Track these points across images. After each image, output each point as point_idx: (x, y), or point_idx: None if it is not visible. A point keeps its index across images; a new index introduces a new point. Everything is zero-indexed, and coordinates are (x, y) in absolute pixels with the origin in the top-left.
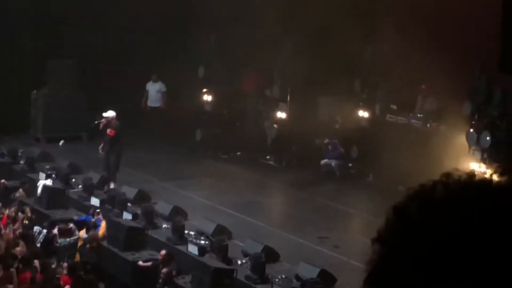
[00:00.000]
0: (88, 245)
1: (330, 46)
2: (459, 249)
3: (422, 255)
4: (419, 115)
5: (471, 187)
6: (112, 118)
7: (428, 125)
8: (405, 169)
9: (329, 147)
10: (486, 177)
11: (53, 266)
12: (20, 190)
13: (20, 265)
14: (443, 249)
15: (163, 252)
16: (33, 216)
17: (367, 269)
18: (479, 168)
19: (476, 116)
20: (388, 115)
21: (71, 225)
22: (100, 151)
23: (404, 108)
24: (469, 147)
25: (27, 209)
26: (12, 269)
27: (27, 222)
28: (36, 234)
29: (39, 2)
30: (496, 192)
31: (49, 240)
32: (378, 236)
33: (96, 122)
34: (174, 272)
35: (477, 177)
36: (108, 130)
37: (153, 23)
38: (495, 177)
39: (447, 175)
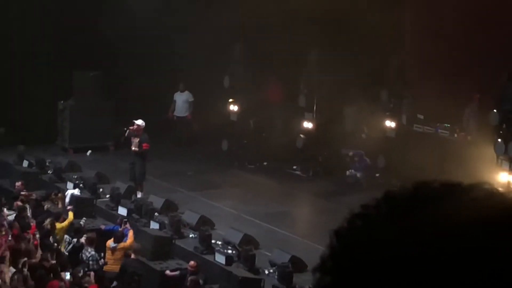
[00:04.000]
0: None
1: (356, 55)
2: None
3: None
4: (446, 124)
5: (413, 213)
6: (141, 126)
7: (456, 135)
8: (432, 179)
9: (355, 159)
10: (437, 193)
11: (80, 274)
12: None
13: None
14: None
15: (192, 263)
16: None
17: None
18: (508, 178)
19: (504, 126)
20: (415, 125)
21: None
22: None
23: (431, 118)
24: (497, 157)
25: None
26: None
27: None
28: (66, 243)
29: (66, 13)
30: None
31: (77, 249)
32: (321, 265)
33: (125, 128)
34: (201, 281)
35: (424, 193)
36: (143, 144)
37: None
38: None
39: (390, 193)
